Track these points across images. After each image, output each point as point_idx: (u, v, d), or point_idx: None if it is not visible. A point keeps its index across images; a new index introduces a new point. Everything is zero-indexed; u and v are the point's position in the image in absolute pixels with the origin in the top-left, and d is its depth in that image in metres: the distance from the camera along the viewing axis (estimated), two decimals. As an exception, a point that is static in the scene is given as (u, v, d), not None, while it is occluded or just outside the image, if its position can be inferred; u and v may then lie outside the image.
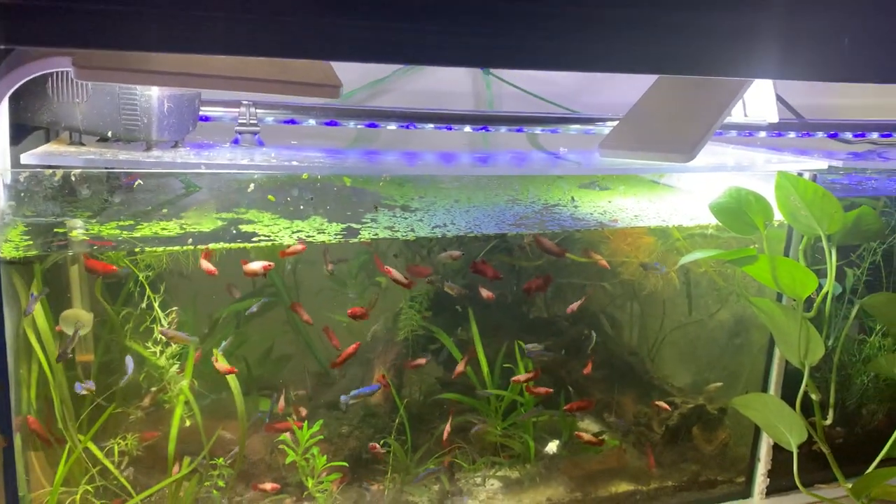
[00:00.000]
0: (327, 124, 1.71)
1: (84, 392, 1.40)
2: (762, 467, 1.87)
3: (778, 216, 1.62)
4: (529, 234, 1.72)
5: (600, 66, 1.23)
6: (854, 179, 1.97)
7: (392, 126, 1.73)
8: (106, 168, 1.32)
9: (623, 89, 1.92)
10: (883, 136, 2.15)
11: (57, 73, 1.34)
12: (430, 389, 1.82)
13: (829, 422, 1.73)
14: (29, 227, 1.32)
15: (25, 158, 1.26)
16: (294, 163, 1.43)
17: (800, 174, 1.68)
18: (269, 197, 1.41)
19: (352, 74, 1.98)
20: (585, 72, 1.14)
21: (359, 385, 1.76)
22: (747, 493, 1.89)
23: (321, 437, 1.60)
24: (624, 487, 1.83)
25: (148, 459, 1.51)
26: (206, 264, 1.47)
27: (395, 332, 1.81)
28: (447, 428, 1.69)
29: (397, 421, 1.70)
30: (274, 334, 1.76)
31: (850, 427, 1.98)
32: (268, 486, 1.60)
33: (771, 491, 1.88)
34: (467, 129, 1.79)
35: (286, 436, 1.58)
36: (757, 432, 1.86)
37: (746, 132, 2.03)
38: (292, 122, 1.69)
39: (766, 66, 1.28)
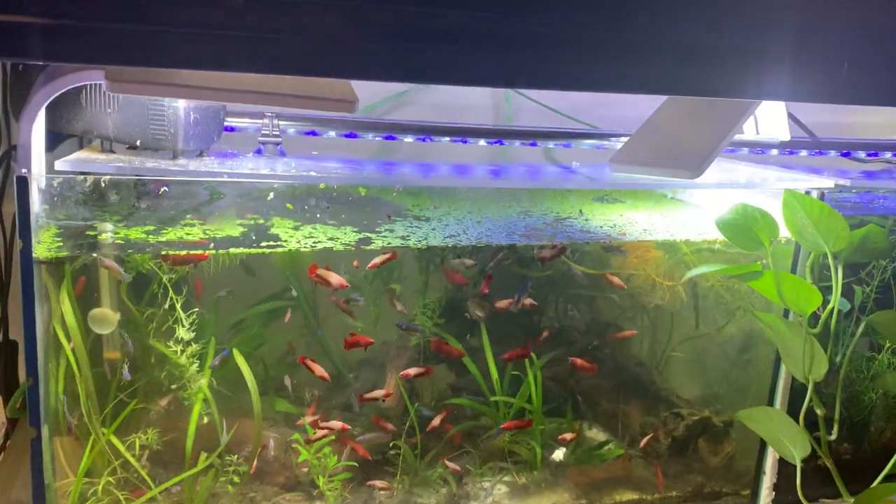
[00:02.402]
0: (346, 136, 1.77)
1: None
2: (767, 481, 1.89)
3: (785, 233, 1.65)
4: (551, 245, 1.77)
5: (610, 88, 1.28)
6: (865, 198, 1.99)
7: (409, 139, 1.79)
8: (135, 175, 1.40)
9: (638, 103, 1.97)
10: (896, 155, 2.17)
11: (90, 84, 1.41)
12: (441, 394, 1.86)
13: (833, 437, 1.74)
14: (61, 230, 1.40)
15: (59, 165, 1.34)
16: (312, 173, 1.49)
17: (807, 192, 1.71)
18: (288, 205, 1.48)
19: (375, 87, 2.05)
20: (596, 92, 1.19)
21: (372, 388, 1.82)
22: (752, 506, 1.92)
23: (333, 437, 1.66)
24: (629, 496, 1.86)
25: (167, 454, 1.58)
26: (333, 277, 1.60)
27: (407, 338, 1.86)
28: (436, 420, 1.74)
29: (407, 424, 1.75)
30: (290, 337, 1.82)
31: (857, 444, 1.99)
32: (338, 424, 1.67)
33: (776, 504, 1.90)
34: (482, 142, 1.85)
35: (298, 435, 1.64)
36: (763, 446, 1.88)
37: (758, 150, 2.05)
38: (313, 133, 1.75)
39: (773, 88, 1.32)
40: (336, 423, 1.67)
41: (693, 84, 1.29)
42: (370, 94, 2.04)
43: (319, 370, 1.67)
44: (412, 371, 1.76)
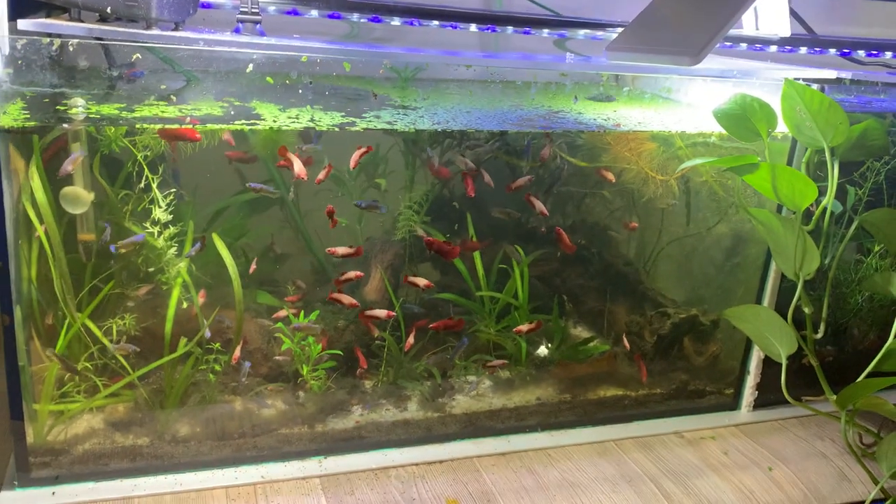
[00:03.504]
0: (329, 16, 1.68)
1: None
2: (751, 380, 1.90)
3: (782, 127, 1.60)
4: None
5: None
6: (862, 100, 1.94)
7: (396, 21, 1.70)
8: (102, 40, 1.31)
9: (635, 6, 1.88)
10: (897, 57, 2.12)
11: (56, -58, 1.31)
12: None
13: (819, 335, 1.74)
14: (27, 99, 1.32)
15: (23, 24, 1.25)
16: (294, 44, 1.42)
17: (807, 83, 1.65)
18: (268, 79, 1.40)
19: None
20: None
21: (357, 285, 1.78)
22: (735, 406, 1.93)
23: (318, 326, 1.63)
24: (612, 392, 1.86)
25: (146, 340, 1.54)
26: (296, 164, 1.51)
27: (392, 232, 1.82)
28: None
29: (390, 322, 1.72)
30: (272, 230, 1.77)
31: (840, 346, 2.00)
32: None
33: (759, 404, 1.91)
34: (473, 28, 1.76)
35: (281, 324, 1.61)
36: (748, 346, 1.89)
37: (757, 47, 1.99)
38: (294, 12, 1.66)
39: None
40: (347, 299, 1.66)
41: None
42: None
43: (348, 299, 1.67)
44: (420, 282, 1.72)
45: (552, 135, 1.75)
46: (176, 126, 1.40)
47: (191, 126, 1.40)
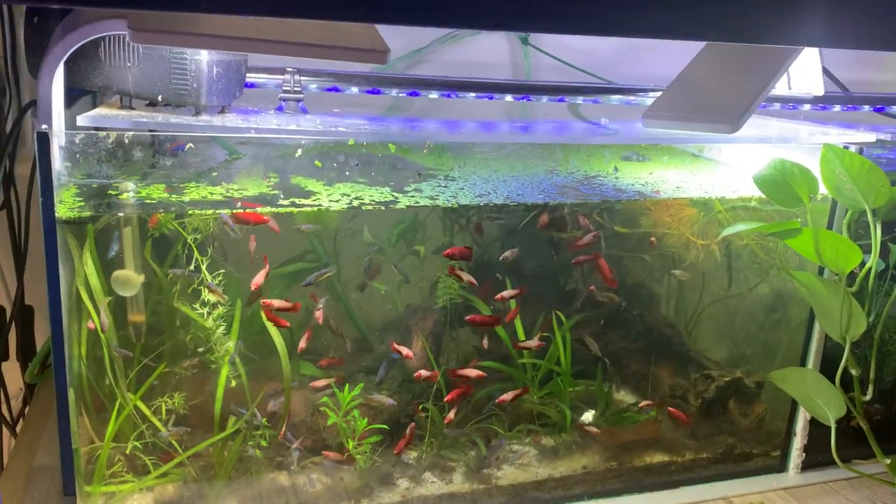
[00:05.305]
0: (369, 92, 1.72)
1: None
2: (798, 442, 1.86)
3: (822, 189, 1.61)
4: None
5: (644, 32, 1.22)
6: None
7: (434, 94, 1.73)
8: (155, 132, 1.35)
9: (661, 61, 1.90)
10: (930, 110, 2.12)
11: (109, 37, 1.36)
12: (467, 357, 1.83)
13: (868, 397, 1.72)
14: (82, 189, 1.35)
15: (81, 120, 1.29)
16: (340, 129, 1.44)
17: (846, 147, 1.66)
18: (316, 163, 1.43)
19: (391, 44, 1.99)
20: (628, 37, 1.14)
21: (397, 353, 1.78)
22: (783, 468, 1.90)
23: (361, 400, 1.63)
24: (659, 458, 1.84)
25: (194, 419, 1.55)
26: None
27: (433, 300, 1.82)
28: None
29: (434, 387, 1.72)
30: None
31: (888, 405, 1.97)
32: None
33: (806, 466, 1.88)
34: (509, 98, 1.79)
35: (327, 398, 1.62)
36: (794, 407, 1.86)
37: (790, 105, 2.00)
38: (336, 89, 1.70)
39: (814, 33, 1.26)
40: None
41: (733, 30, 1.23)
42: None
43: (406, 351, 1.68)
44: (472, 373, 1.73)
45: (589, 204, 1.76)
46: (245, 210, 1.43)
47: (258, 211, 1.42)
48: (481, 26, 1.07)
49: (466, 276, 1.69)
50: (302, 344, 1.60)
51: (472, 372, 1.70)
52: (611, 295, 1.81)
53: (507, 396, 1.72)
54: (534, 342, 1.74)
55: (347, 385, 1.62)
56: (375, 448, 1.66)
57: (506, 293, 1.71)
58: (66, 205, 1.33)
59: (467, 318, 1.73)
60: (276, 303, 1.54)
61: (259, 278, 1.51)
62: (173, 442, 1.50)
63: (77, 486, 1.43)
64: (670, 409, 1.85)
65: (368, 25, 1.27)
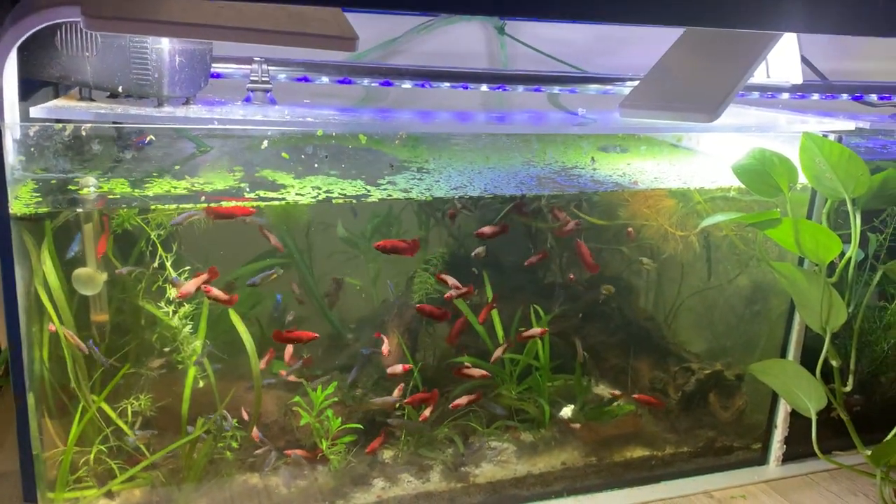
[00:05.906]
0: (340, 82, 1.67)
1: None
2: (779, 434, 1.85)
3: (802, 179, 1.58)
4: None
5: (622, 18, 1.19)
6: (877, 143, 1.92)
7: (407, 84, 1.69)
8: (117, 123, 1.29)
9: (637, 51, 1.88)
10: (908, 98, 2.11)
11: (66, 25, 1.30)
12: (443, 353, 1.80)
13: (848, 388, 1.70)
14: (39, 184, 1.30)
15: (35, 112, 1.23)
16: (309, 119, 1.40)
17: (825, 135, 1.64)
18: (283, 155, 1.38)
19: (364, 34, 1.95)
20: (610, 24, 1.11)
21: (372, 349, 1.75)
22: (763, 460, 1.88)
23: (335, 399, 1.59)
24: (639, 453, 1.82)
25: (161, 421, 1.50)
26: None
27: (409, 295, 1.78)
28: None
29: (411, 384, 1.68)
30: (286, 297, 1.74)
31: (868, 395, 1.96)
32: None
33: (787, 458, 1.87)
34: (484, 87, 1.75)
35: (299, 398, 1.57)
36: (774, 399, 1.84)
37: (769, 94, 1.98)
38: (305, 79, 1.65)
39: (794, 18, 1.23)
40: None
41: (713, 15, 1.21)
42: (359, 40, 1.93)
43: (385, 347, 1.66)
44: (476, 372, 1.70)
45: (566, 195, 1.72)
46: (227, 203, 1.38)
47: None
48: (456, 11, 1.03)
49: (452, 281, 1.66)
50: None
51: (477, 371, 1.66)
52: (608, 287, 1.79)
53: (462, 401, 1.68)
54: (537, 330, 1.71)
55: (321, 387, 1.58)
56: (350, 448, 1.62)
57: (453, 292, 1.67)
58: (22, 200, 1.27)
59: (417, 306, 1.68)
60: (215, 291, 1.48)
61: (191, 286, 1.46)
62: (140, 445, 1.45)
63: (39, 492, 1.38)
64: (636, 395, 1.82)
65: (335, 11, 1.22)
